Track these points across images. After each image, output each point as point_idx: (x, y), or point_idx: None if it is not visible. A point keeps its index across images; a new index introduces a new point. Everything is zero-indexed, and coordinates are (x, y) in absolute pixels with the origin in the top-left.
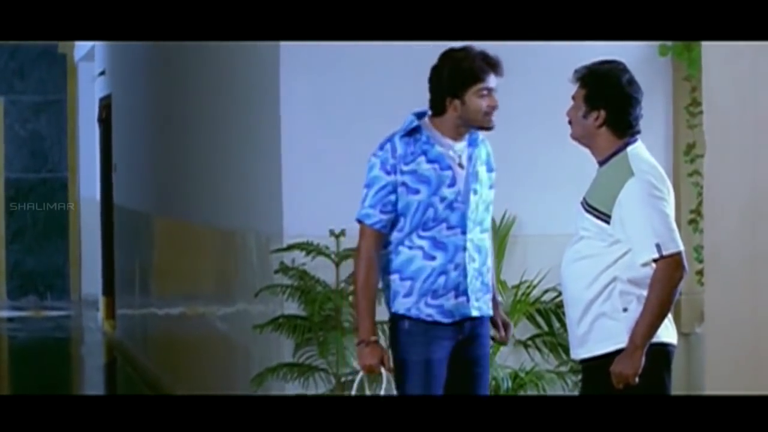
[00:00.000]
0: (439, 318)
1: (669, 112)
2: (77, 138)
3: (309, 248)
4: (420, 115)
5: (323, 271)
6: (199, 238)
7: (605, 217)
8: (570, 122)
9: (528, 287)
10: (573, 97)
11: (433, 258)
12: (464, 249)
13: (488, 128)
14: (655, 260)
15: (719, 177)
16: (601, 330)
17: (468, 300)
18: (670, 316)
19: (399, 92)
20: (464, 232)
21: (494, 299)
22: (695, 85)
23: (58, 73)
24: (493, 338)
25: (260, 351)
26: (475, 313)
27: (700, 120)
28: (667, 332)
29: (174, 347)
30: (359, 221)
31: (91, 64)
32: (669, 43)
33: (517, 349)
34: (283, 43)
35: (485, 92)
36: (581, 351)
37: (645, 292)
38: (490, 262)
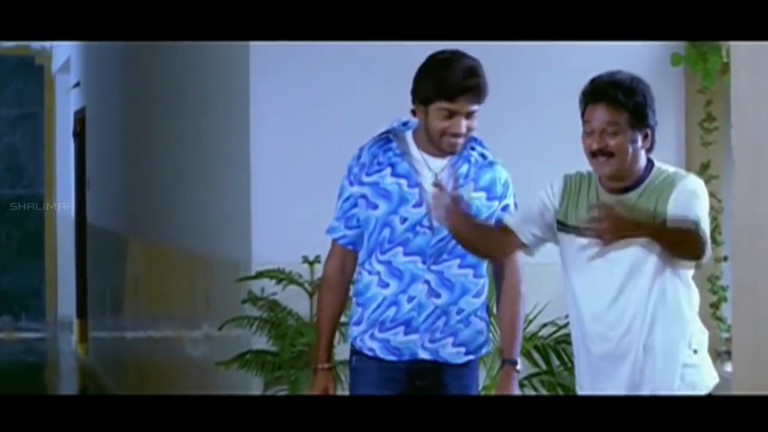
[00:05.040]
0: (381, 354)
1: (681, 128)
2: (54, 153)
3: (280, 276)
4: (405, 124)
5: (295, 301)
6: (168, 262)
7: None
8: (611, 156)
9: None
10: (599, 129)
11: (386, 285)
12: (425, 281)
13: (449, 152)
14: None
15: (748, 201)
16: (687, 387)
17: (420, 339)
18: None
19: (381, 106)
20: (425, 262)
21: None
22: (710, 99)
23: (35, 85)
24: None
25: (229, 385)
26: (423, 355)
27: (716, 137)
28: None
29: (144, 375)
30: (327, 234)
31: (68, 75)
32: (681, 51)
33: None
34: (252, 50)
35: (446, 113)
36: None
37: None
38: (476, 301)
